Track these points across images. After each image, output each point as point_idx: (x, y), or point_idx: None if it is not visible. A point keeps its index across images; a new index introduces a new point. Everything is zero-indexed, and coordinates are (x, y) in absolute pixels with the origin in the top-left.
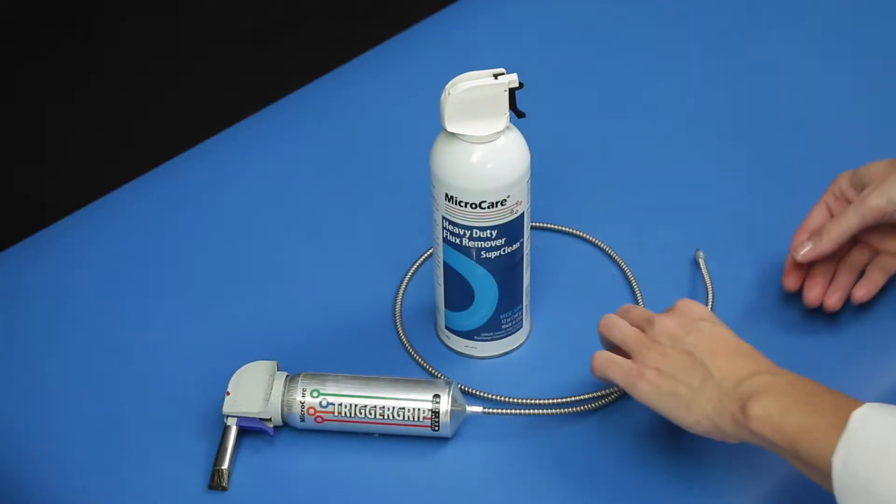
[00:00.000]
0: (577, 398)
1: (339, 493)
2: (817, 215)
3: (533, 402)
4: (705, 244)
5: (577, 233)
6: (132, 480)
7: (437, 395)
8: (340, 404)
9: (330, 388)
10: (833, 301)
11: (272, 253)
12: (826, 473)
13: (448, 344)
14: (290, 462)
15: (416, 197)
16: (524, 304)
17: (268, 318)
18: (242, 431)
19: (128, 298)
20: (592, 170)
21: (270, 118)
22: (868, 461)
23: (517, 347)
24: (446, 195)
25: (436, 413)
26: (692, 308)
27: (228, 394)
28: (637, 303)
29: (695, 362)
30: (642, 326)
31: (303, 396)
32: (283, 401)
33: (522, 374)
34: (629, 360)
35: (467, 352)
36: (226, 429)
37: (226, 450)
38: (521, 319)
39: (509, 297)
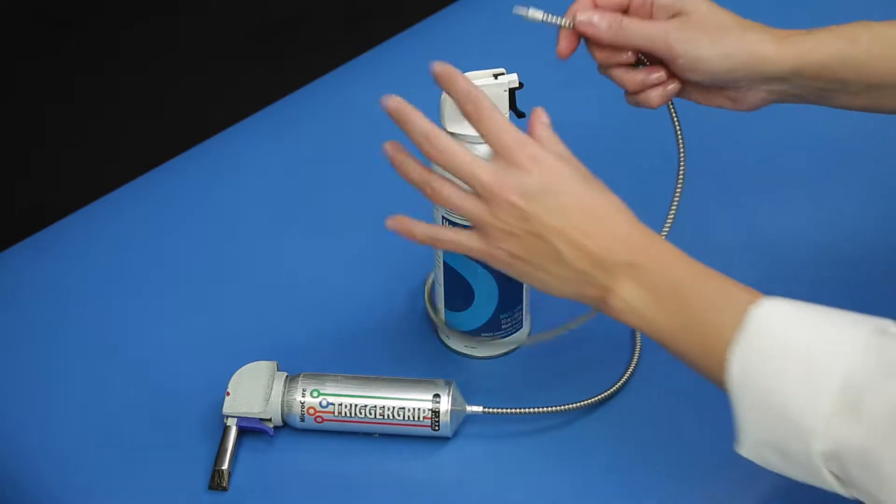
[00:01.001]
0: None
1: (339, 492)
2: None
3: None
4: (704, 243)
5: None
6: (132, 480)
7: (437, 395)
8: (340, 404)
9: (330, 388)
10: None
11: (272, 253)
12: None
13: (448, 344)
14: (290, 462)
15: (416, 197)
16: (524, 304)
17: (268, 318)
18: (242, 431)
19: (128, 298)
20: (592, 170)
21: (270, 118)
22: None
23: (517, 347)
24: None
25: (436, 413)
26: (529, 167)
27: (228, 394)
28: None
29: (546, 244)
30: (474, 188)
31: (303, 396)
32: (283, 401)
33: (522, 374)
34: (475, 238)
35: (467, 352)
36: (226, 429)
37: (226, 450)
38: (521, 319)
39: (509, 297)
